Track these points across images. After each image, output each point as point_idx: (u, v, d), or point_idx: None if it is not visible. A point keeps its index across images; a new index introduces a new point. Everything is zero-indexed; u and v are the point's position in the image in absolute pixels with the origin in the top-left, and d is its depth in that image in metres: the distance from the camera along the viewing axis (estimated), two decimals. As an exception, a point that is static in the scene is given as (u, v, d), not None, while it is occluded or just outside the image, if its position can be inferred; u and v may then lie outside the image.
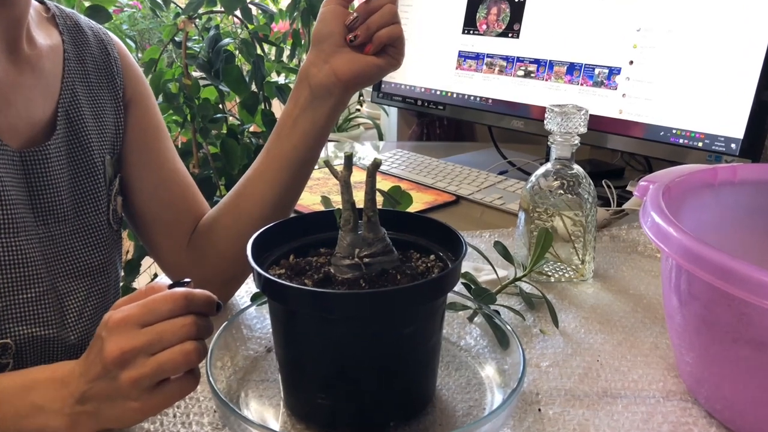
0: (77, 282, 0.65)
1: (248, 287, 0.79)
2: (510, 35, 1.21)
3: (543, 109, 0.85)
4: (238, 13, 1.47)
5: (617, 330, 0.71)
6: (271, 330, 0.57)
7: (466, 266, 0.82)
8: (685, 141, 1.00)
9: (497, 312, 0.66)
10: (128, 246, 1.54)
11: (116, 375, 0.47)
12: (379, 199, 0.57)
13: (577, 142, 0.78)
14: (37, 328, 0.60)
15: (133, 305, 0.48)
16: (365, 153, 1.57)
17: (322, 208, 0.75)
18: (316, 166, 1.39)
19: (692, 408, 0.58)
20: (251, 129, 1.65)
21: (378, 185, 0.52)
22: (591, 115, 0.81)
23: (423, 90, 1.36)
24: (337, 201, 0.56)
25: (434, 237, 0.57)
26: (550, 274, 0.82)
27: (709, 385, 0.56)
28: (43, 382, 0.49)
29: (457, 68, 1.30)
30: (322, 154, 1.71)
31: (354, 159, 1.48)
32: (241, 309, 0.67)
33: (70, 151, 0.65)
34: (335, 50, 0.67)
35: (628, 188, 1.09)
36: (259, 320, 0.67)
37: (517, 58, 1.21)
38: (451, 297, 0.64)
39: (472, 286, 0.71)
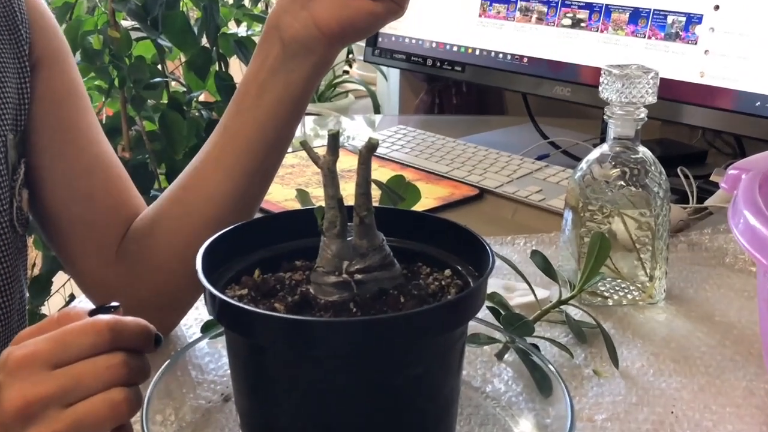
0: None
1: (198, 313, 0.79)
2: (552, -29, 1.22)
3: (597, 71, 0.84)
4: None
5: (698, 371, 0.71)
6: (229, 372, 0.57)
7: (493, 285, 0.82)
8: (790, 114, 1.00)
9: (535, 347, 0.66)
10: (35, 257, 1.53)
11: (19, 434, 0.47)
12: (376, 193, 0.56)
13: (643, 116, 0.79)
14: None
15: (42, 338, 0.48)
16: (356, 131, 1.57)
17: (297, 206, 0.75)
18: (290, 149, 1.40)
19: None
20: (201, 98, 1.65)
21: (374, 175, 0.52)
22: (662, 80, 0.81)
23: (434, 45, 1.36)
24: (318, 196, 0.56)
25: (450, 245, 0.57)
26: (607, 294, 0.82)
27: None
28: None
29: (480, 15, 1.30)
30: (298, 133, 1.71)
31: (341, 139, 1.47)
32: (188, 343, 0.67)
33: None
34: (316, -9, 0.67)
35: (713, 178, 1.09)
36: (213, 358, 0.67)
37: (563, 1, 1.21)
38: (473, 327, 0.64)
39: (502, 312, 0.71)
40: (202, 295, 0.52)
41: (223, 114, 0.73)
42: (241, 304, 0.50)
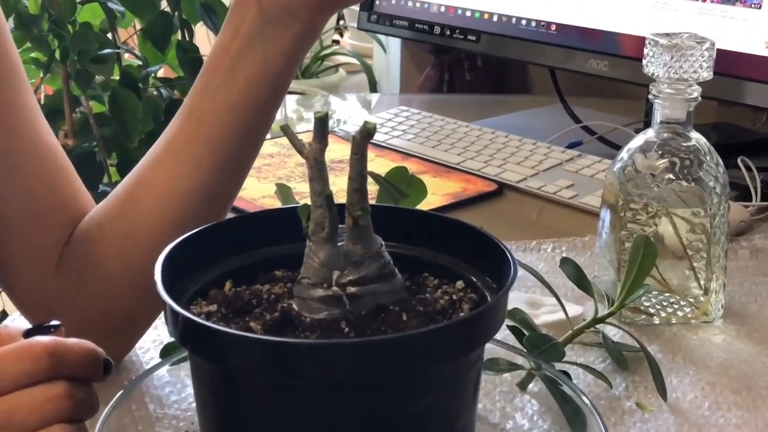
0: None
1: (158, 334, 0.79)
2: None
3: (640, 41, 0.84)
4: None
5: (763, 403, 0.71)
6: (194, 405, 0.57)
7: (515, 299, 0.82)
8: None
9: (566, 374, 0.66)
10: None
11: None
12: (373, 189, 0.56)
13: (696, 95, 0.79)
14: None
15: (-32, 365, 0.48)
16: (349, 113, 1.57)
17: (278, 204, 0.75)
18: (269, 136, 1.41)
19: None
20: (160, 74, 1.64)
21: (371, 167, 0.52)
22: (719, 51, 0.81)
23: (443, 9, 1.36)
24: (302, 192, 0.56)
25: (463, 251, 0.57)
26: (652, 311, 0.82)
27: None
28: None
29: (498, -26, 1.30)
30: (279, 116, 1.70)
31: (330, 123, 1.46)
32: (145, 371, 0.67)
33: None
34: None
35: (781, 171, 1.09)
36: (175, 389, 0.67)
37: (598, -44, 1.21)
38: (490, 350, 0.64)
39: (526, 333, 0.71)
40: (162, 313, 0.52)
41: (187, 94, 0.73)
42: (209, 323, 0.50)
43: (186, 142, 0.71)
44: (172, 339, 0.52)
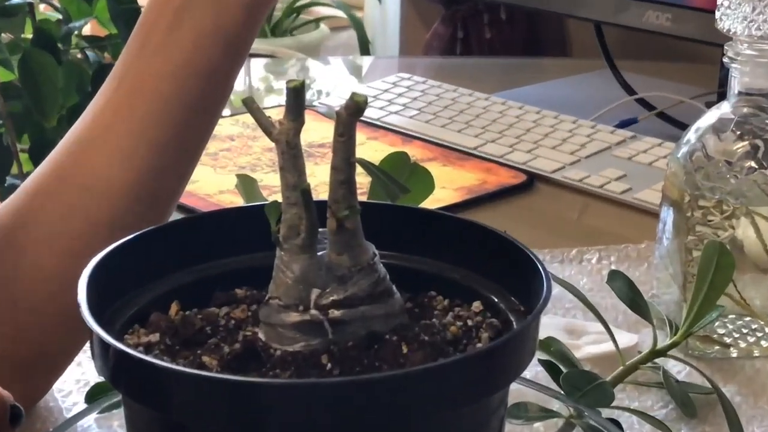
0: None
1: (82, 372, 0.79)
2: None
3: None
4: None
5: None
6: (130, 465, 0.57)
7: (549, 326, 0.82)
8: None
9: (616, 424, 0.66)
10: None
11: None
12: (364, 181, 0.56)
13: (786, 58, 0.79)
14: None
15: None
16: (332, 82, 1.57)
17: (239, 202, 0.75)
18: (227, 112, 1.40)
19: None
20: (86, 31, 1.64)
21: (362, 152, 0.52)
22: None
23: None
24: (271, 186, 0.56)
25: (481, 263, 0.58)
26: (729, 341, 0.82)
27: None
28: None
29: None
30: (240, 87, 1.69)
31: (309, 95, 1.46)
32: (66, 420, 0.67)
33: None
34: None
35: None
36: (106, 443, 0.67)
37: None
38: (517, 392, 0.64)
39: (563, 369, 0.71)
40: (88, 344, 0.51)
41: (118, 58, 0.73)
42: (149, 358, 0.49)
43: (117, 119, 0.71)
44: (101, 378, 0.52)
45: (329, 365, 0.51)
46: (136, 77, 0.71)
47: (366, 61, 1.80)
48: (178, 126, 0.71)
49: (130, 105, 0.71)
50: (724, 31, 0.79)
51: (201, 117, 0.72)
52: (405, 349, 0.51)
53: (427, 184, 0.73)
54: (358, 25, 2.37)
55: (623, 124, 1.26)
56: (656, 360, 0.76)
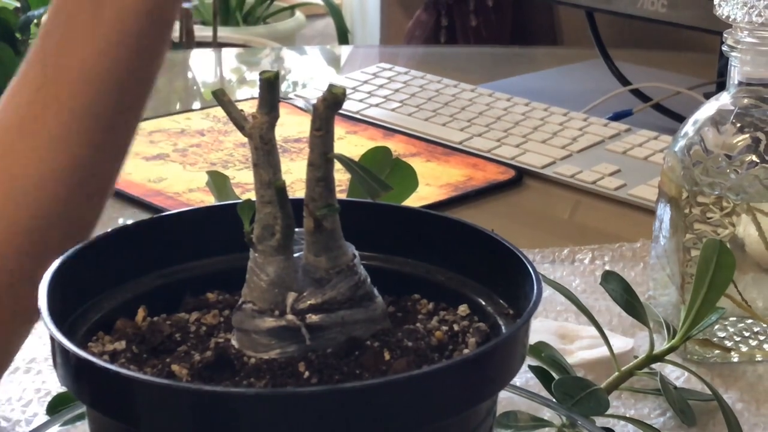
0: None
1: (42, 381, 0.79)
2: None
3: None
4: None
5: None
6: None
7: (540, 330, 0.82)
8: None
9: (612, 433, 0.66)
10: None
11: None
12: (344, 178, 0.56)
13: (788, 46, 0.79)
14: None
15: None
16: (309, 73, 1.57)
17: (211, 200, 0.75)
18: (197, 105, 1.40)
19: None
20: (45, 17, 1.63)
21: (341, 148, 0.52)
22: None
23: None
24: (244, 184, 0.56)
25: (468, 264, 0.58)
26: (729, 344, 0.82)
27: None
28: None
29: None
30: (212, 78, 1.70)
31: (284, 87, 1.46)
32: (27, 432, 0.67)
33: None
34: None
35: None
36: (70, 458, 0.67)
37: None
38: (506, 401, 0.64)
39: (555, 376, 0.71)
40: (49, 351, 0.51)
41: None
42: (114, 367, 0.49)
43: (43, 107, 0.71)
44: (64, 389, 0.52)
45: (307, 373, 0.51)
46: (60, 63, 0.71)
47: (344, 51, 1.81)
48: (110, 109, 0.71)
49: (57, 93, 0.71)
50: (723, 17, 0.79)
51: (133, 93, 0.73)
52: (387, 356, 0.51)
53: (409, 180, 0.74)
54: (335, 13, 2.37)
55: (617, 117, 1.26)
56: (653, 365, 0.76)
